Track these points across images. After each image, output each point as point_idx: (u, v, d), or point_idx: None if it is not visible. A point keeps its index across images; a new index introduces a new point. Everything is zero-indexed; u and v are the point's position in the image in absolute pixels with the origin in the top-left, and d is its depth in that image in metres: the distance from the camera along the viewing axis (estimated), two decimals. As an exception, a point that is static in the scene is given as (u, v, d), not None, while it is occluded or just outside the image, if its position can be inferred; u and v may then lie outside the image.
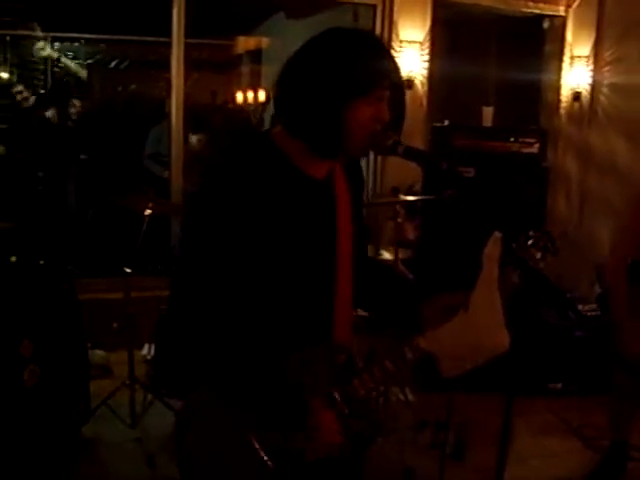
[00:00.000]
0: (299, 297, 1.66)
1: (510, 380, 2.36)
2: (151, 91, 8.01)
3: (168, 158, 5.44)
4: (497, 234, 1.58)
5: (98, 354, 4.54)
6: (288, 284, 1.63)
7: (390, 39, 5.48)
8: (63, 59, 6.08)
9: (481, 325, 1.59)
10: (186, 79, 5.17)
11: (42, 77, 8.03)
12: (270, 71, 8.26)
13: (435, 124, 5.10)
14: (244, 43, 9.15)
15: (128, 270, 3.74)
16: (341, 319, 1.74)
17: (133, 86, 8.08)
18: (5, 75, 7.99)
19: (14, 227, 3.28)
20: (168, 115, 6.53)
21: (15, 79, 8.02)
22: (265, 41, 8.80)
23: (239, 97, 9.08)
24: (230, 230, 1.54)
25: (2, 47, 7.86)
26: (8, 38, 7.84)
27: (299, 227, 1.62)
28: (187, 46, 5.15)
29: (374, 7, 5.53)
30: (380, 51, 1.65)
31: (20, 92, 6.07)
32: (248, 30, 8.48)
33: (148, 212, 3.68)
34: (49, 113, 6.41)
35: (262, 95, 8.66)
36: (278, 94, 1.65)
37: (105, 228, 5.80)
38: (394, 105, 1.66)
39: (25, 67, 8.03)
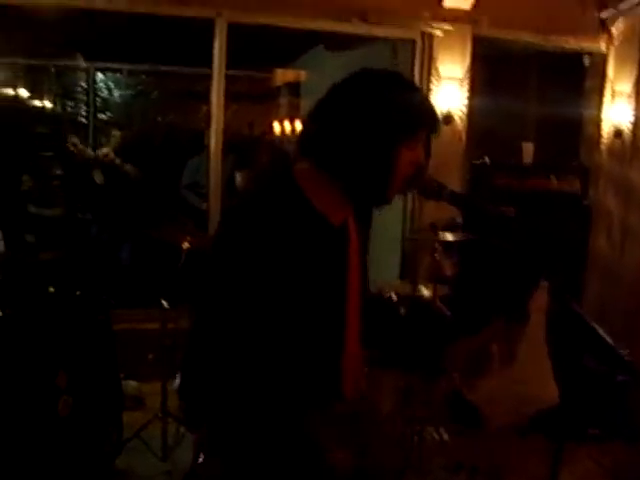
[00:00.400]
0: (310, 342, 1.63)
1: (558, 428, 2.28)
2: (190, 122, 8.08)
3: (206, 189, 5.45)
4: (544, 284, 1.53)
5: (131, 385, 4.54)
6: (299, 328, 1.60)
7: (429, 74, 5.48)
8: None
9: (529, 377, 1.55)
10: (225, 110, 5.20)
11: (85, 107, 8.16)
12: (308, 103, 8.29)
13: (474, 161, 5.06)
14: (282, 75, 9.21)
15: (165, 304, 3.73)
16: (351, 358, 1.71)
17: (172, 116, 8.16)
18: (49, 104, 8.14)
19: (53, 258, 3.28)
20: (207, 146, 6.66)
21: (59, 109, 8.18)
22: (303, 74, 8.85)
23: (277, 128, 9.13)
24: (247, 272, 1.52)
25: (47, 77, 8.00)
26: (53, 69, 7.98)
27: (311, 273, 1.59)
28: (227, 78, 5.17)
29: (413, 42, 5.53)
30: (419, 93, 1.65)
31: (75, 144, 6.13)
32: (287, 62, 8.54)
33: (186, 246, 3.68)
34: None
35: (299, 126, 8.71)
36: (312, 133, 1.62)
37: (143, 259, 5.83)
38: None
39: (68, 97, 8.18)
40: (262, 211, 1.56)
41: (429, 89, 5.46)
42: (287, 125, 8.93)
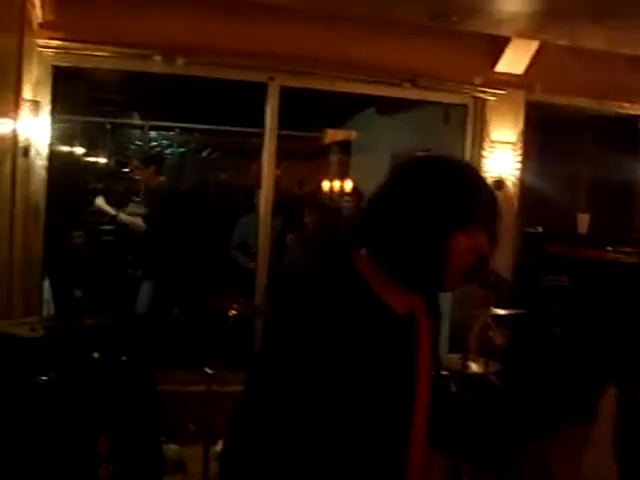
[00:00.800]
0: (372, 440, 1.52)
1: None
2: (240, 181, 8.17)
3: (254, 249, 5.44)
4: (613, 391, 1.44)
5: (172, 449, 4.47)
6: (360, 425, 1.49)
7: (481, 139, 5.45)
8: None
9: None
10: (276, 169, 5.23)
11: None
12: (358, 161, 8.33)
13: (527, 229, 4.96)
14: (332, 135, 9.27)
15: (209, 370, 3.70)
16: (417, 455, 1.60)
17: (224, 175, 8.26)
18: (103, 160, 8.32)
19: (100, 323, 3.28)
20: (256, 205, 6.70)
21: (113, 164, 8.36)
22: (353, 133, 8.91)
23: (326, 186, 9.18)
24: (306, 363, 1.43)
25: (102, 134, 8.19)
26: (108, 126, 8.18)
27: (375, 366, 1.49)
28: (278, 137, 5.22)
29: (465, 107, 5.52)
30: (479, 182, 1.58)
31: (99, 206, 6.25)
32: (338, 123, 8.61)
33: (233, 313, 3.67)
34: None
35: (348, 185, 8.73)
36: (368, 220, 1.58)
37: (189, 324, 5.84)
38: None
39: (122, 154, 8.35)
40: (323, 299, 1.49)
41: (481, 154, 5.43)
42: (336, 183, 8.97)
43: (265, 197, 5.18)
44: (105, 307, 6.78)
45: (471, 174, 1.60)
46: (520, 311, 3.67)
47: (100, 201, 6.32)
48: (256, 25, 4.88)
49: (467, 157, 5.49)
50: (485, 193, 1.56)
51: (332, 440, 1.47)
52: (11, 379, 2.89)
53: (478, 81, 5.36)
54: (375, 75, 5.19)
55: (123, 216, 6.19)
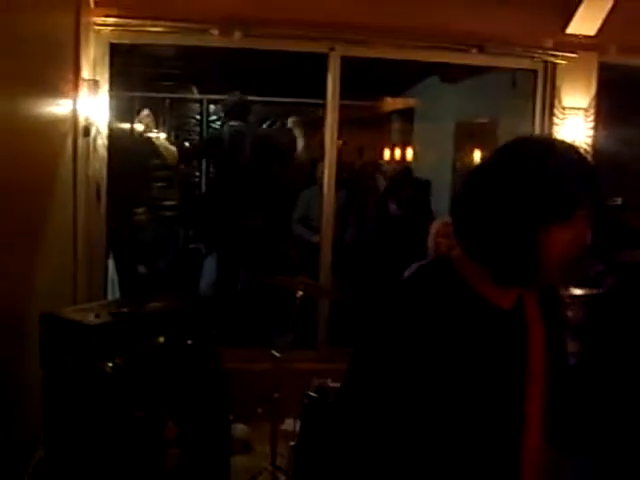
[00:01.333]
0: (477, 450, 1.42)
1: None
2: (302, 153, 8.04)
3: (319, 223, 5.31)
4: None
5: (240, 428, 4.45)
6: (464, 434, 1.40)
7: (552, 106, 5.19)
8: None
9: None
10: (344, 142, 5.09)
11: (198, 138, 8.26)
12: (421, 129, 8.12)
13: (605, 202, 4.72)
14: (392, 102, 9.06)
15: (277, 354, 3.64)
16: (532, 454, 1.48)
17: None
18: (163, 135, 8.29)
19: (164, 307, 3.22)
20: (317, 178, 6.58)
21: (173, 139, 8.33)
22: (413, 101, 8.69)
23: (387, 154, 9.01)
24: (402, 363, 1.36)
25: (161, 110, 8.15)
26: (167, 101, 8.13)
27: (482, 364, 1.40)
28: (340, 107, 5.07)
29: (535, 72, 5.25)
30: (582, 166, 1.42)
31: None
32: (400, 92, 8.39)
33: (300, 294, 3.59)
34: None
35: (410, 153, 8.55)
36: (459, 213, 1.45)
37: (254, 300, 5.79)
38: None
39: (181, 129, 8.31)
40: (417, 296, 1.43)
41: (551, 121, 5.18)
42: (398, 152, 8.80)
43: (328, 170, 5.05)
44: (169, 283, 6.81)
45: (573, 156, 1.44)
46: (599, 290, 3.49)
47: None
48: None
49: (537, 124, 5.25)
50: (590, 180, 1.40)
51: (441, 435, 1.40)
52: (77, 367, 2.85)
53: (548, 44, 5.10)
54: (440, 42, 4.98)
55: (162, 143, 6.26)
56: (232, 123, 6.16)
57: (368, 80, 6.88)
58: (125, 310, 3.02)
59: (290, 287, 3.68)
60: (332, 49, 4.88)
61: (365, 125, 8.77)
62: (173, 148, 6.29)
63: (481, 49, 4.99)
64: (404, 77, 7.71)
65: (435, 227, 4.08)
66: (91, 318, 2.90)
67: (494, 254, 1.38)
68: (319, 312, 4.96)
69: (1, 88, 3.05)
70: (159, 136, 6.04)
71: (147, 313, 3.13)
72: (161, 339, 3.06)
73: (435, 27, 4.89)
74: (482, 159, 1.49)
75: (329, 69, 4.92)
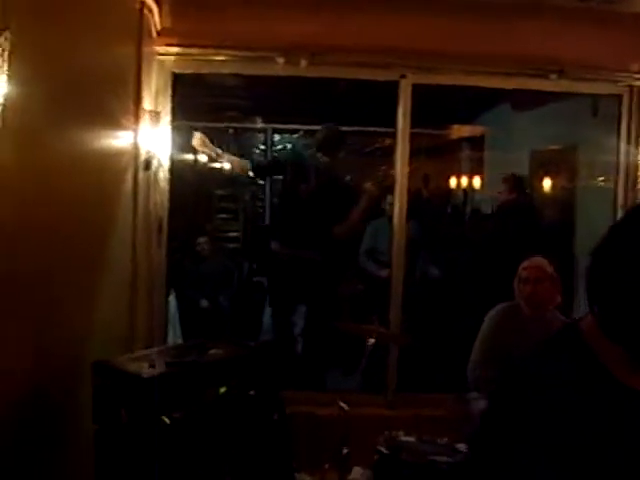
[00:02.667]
0: None
1: None
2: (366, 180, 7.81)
3: (389, 256, 5.02)
4: None
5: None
6: None
7: (638, 134, 4.83)
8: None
9: None
10: (410, 171, 4.82)
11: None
12: (493, 158, 7.79)
13: None
14: (459, 130, 8.77)
15: (345, 406, 3.38)
16: None
17: (350, 177, 7.89)
18: (228, 166, 8.18)
19: (226, 356, 2.99)
20: (384, 209, 6.32)
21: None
22: (480, 129, 8.38)
23: (453, 183, 8.72)
24: (529, 454, 1.15)
25: (226, 139, 8.06)
26: (231, 131, 8.03)
27: (614, 456, 1.14)
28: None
29: (619, 97, 4.90)
30: None
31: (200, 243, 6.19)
32: (470, 119, 8.10)
33: (372, 341, 3.34)
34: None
35: (477, 182, 8.23)
36: (594, 275, 1.18)
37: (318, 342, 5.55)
38: None
39: (246, 158, 8.17)
40: (549, 383, 1.19)
41: (638, 151, 4.82)
42: (465, 180, 8.50)
43: (399, 201, 4.78)
44: (232, 319, 6.62)
45: None
46: None
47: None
48: (383, 20, 4.50)
49: (622, 153, 4.90)
50: None
51: None
52: (131, 421, 2.64)
53: (635, 68, 4.76)
54: (518, 67, 4.68)
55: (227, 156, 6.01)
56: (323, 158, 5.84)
57: (437, 108, 6.64)
58: (183, 359, 2.80)
59: (362, 335, 3.42)
60: (403, 76, 4.64)
61: (432, 153, 8.51)
62: (244, 161, 6.06)
63: (561, 74, 4.67)
64: (474, 105, 7.45)
65: (520, 268, 3.80)
66: (146, 369, 2.68)
67: (630, 333, 1.10)
68: (389, 357, 4.65)
69: (61, 121, 2.93)
70: (220, 152, 5.74)
71: (207, 362, 2.90)
72: (222, 390, 2.83)
73: (512, 52, 4.60)
74: (628, 210, 1.21)
75: (400, 97, 4.67)
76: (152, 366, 2.71)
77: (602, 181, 5.49)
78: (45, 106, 2.72)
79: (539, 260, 3.91)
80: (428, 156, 8.39)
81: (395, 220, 4.80)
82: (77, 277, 3.12)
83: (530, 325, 3.81)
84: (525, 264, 3.87)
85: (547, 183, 6.62)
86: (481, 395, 3.92)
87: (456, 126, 8.58)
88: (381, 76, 4.69)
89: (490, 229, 6.30)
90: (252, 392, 3.00)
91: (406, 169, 4.77)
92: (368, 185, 5.60)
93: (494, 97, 6.92)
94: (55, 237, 2.82)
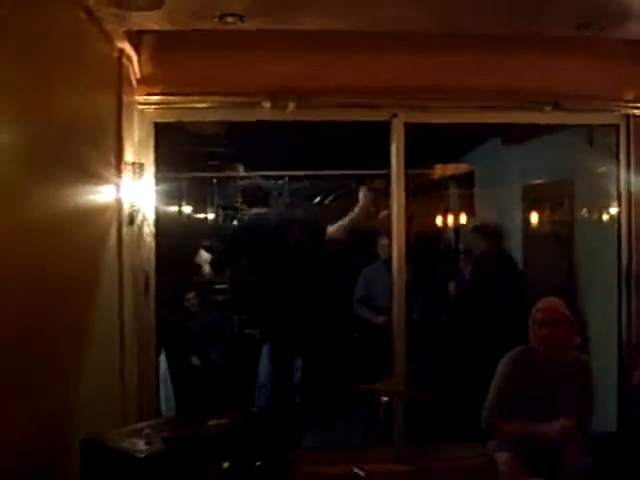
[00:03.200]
0: None
1: None
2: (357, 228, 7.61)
3: (389, 303, 4.76)
4: None
5: None
6: None
7: (638, 164, 4.68)
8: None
9: None
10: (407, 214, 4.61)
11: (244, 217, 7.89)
12: (484, 195, 7.60)
13: None
14: (443, 169, 8.62)
15: (361, 473, 3.12)
16: None
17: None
18: (212, 216, 7.97)
19: (227, 427, 2.72)
20: (379, 254, 6.11)
21: (221, 220, 7.99)
22: (464, 167, 8.22)
23: (439, 221, 8.53)
24: None
25: (209, 189, 7.85)
26: (215, 180, 7.83)
27: None
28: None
29: (617, 127, 4.75)
30: None
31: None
32: (458, 157, 7.93)
33: (384, 400, 3.09)
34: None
35: (463, 218, 8.04)
36: None
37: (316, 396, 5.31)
38: None
39: (230, 208, 7.97)
40: None
41: (638, 182, 4.68)
42: (450, 218, 8.31)
43: (397, 244, 4.56)
44: (224, 375, 6.33)
45: None
46: None
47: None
48: (372, 58, 4.35)
49: (622, 183, 4.74)
50: None
51: None
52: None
53: (630, 96, 4.63)
54: (512, 101, 4.53)
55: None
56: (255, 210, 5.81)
57: (424, 147, 6.47)
58: (181, 433, 2.53)
59: (373, 394, 3.18)
60: (395, 115, 4.47)
61: (417, 193, 8.32)
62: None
63: (556, 106, 4.53)
64: (462, 142, 7.28)
65: (534, 310, 3.60)
66: (141, 446, 2.42)
67: None
68: (395, 410, 4.38)
69: (38, 174, 2.74)
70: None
71: (207, 436, 2.63)
72: (225, 464, 2.57)
73: (506, 85, 4.45)
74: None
75: (392, 137, 4.49)
76: (148, 443, 2.45)
77: (603, 213, 5.32)
78: (19, 158, 2.51)
79: (554, 301, 3.71)
80: (413, 196, 8.21)
81: (394, 264, 4.58)
82: (59, 341, 2.88)
83: (547, 368, 3.62)
84: (539, 305, 3.67)
85: (542, 218, 6.45)
86: (499, 444, 3.69)
87: (441, 165, 8.42)
88: (372, 116, 4.51)
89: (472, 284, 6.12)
90: (258, 463, 2.72)
91: (402, 211, 4.58)
92: (363, 189, 5.46)
93: (483, 133, 6.77)
94: (35, 300, 2.59)
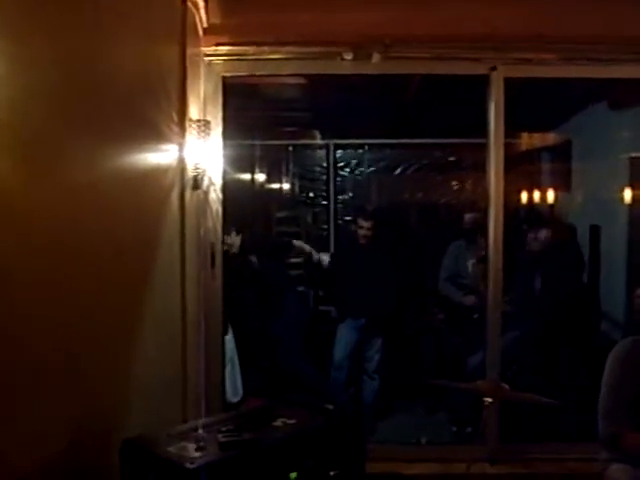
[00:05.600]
0: None
1: None
2: (444, 201, 7.07)
3: (484, 282, 4.26)
4: None
5: None
6: None
7: None
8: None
9: None
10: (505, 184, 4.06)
11: (324, 187, 7.43)
12: (583, 168, 6.92)
13: None
14: (529, 139, 7.94)
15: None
16: None
17: (422, 194, 7.16)
18: (288, 186, 7.56)
19: (297, 428, 2.26)
20: (468, 230, 5.59)
21: (297, 189, 7.58)
22: (553, 137, 7.53)
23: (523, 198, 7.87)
24: None
25: (285, 157, 7.43)
26: (291, 148, 7.39)
27: None
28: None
29: None
30: None
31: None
32: (557, 125, 7.24)
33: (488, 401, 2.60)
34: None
35: (550, 195, 7.36)
36: None
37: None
38: None
39: (306, 177, 7.54)
40: None
41: None
42: (537, 194, 7.64)
43: (495, 217, 3.99)
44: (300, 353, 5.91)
45: None
46: None
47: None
48: (468, 4, 3.80)
49: None
50: None
51: None
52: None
53: None
54: (627, 52, 3.89)
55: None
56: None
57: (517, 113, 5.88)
58: (241, 437, 2.08)
59: (477, 393, 2.69)
60: (494, 69, 3.89)
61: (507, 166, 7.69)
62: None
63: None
64: (559, 108, 6.61)
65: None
66: (192, 453, 1.99)
67: None
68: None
69: (93, 133, 2.35)
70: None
71: (272, 440, 2.18)
72: (293, 476, 2.12)
73: (618, 33, 3.83)
74: None
75: (491, 93, 3.92)
76: (200, 448, 2.01)
77: None
78: (62, 115, 2.10)
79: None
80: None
81: (490, 241, 4.02)
82: (110, 323, 2.48)
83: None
84: None
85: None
86: (614, 456, 3.12)
87: (536, 135, 7.75)
88: (468, 69, 3.94)
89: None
90: (333, 473, 2.26)
91: (501, 182, 4.01)
92: None
93: (585, 96, 6.11)
94: (80, 278, 2.18)
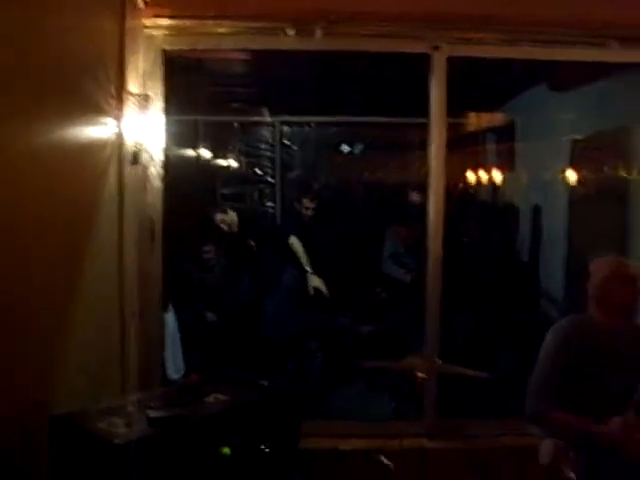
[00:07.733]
0: None
1: None
2: (387, 178, 7.07)
3: (424, 260, 4.27)
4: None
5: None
6: None
7: None
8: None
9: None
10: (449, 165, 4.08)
11: (270, 165, 7.40)
12: (525, 149, 7.01)
13: None
14: (478, 119, 8.00)
15: (387, 462, 2.67)
16: None
17: (368, 174, 7.17)
18: (235, 164, 7.49)
19: (229, 405, 2.26)
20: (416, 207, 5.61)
21: (244, 168, 7.52)
22: (500, 117, 7.60)
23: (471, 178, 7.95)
24: None
25: (231, 134, 7.36)
26: (236, 125, 7.32)
27: None
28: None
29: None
30: None
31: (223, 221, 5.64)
32: (499, 105, 7.32)
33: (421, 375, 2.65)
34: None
35: (498, 176, 7.46)
36: None
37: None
38: None
39: (252, 154, 7.49)
40: None
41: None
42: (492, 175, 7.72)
43: (436, 201, 4.02)
44: (241, 332, 5.90)
45: None
46: None
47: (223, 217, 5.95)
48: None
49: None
50: None
51: None
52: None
53: None
54: (571, 35, 3.94)
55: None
56: None
57: (460, 92, 5.91)
58: (171, 412, 2.07)
59: (406, 370, 2.73)
60: (436, 48, 3.90)
61: (451, 147, 7.75)
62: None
63: (624, 41, 3.94)
64: (501, 88, 6.67)
65: (605, 267, 3.04)
66: (120, 428, 1.97)
67: None
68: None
69: (28, 107, 2.34)
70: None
71: (202, 416, 2.18)
72: (226, 450, 2.12)
73: (562, 16, 3.86)
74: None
75: (433, 73, 3.93)
76: (129, 424, 2.00)
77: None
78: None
79: (622, 260, 3.16)
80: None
81: (430, 223, 4.03)
82: (41, 298, 2.44)
83: (609, 341, 3.06)
84: (612, 262, 3.09)
85: (591, 175, 5.86)
86: (542, 432, 3.16)
87: (472, 115, 7.81)
88: (411, 48, 3.93)
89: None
90: (265, 447, 2.27)
91: (442, 163, 4.03)
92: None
93: (527, 78, 6.16)
94: (12, 249, 2.14)
